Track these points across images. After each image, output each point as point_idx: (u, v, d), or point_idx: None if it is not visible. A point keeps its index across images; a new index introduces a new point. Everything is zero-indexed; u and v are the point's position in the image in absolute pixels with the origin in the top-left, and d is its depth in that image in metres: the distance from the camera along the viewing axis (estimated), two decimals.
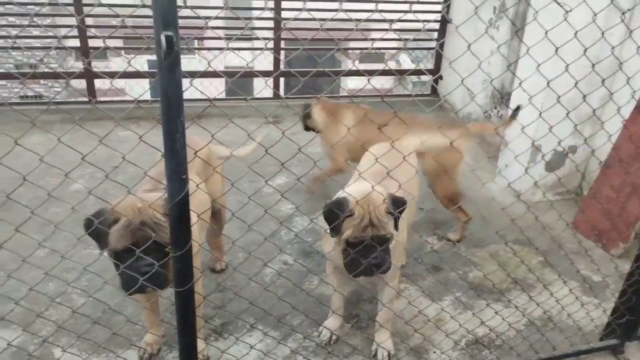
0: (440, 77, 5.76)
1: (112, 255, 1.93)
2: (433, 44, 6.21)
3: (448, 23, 5.66)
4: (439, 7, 5.98)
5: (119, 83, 8.20)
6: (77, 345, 2.45)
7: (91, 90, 5.17)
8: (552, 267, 3.09)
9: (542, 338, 2.66)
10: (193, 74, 1.56)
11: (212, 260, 3.07)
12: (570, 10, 2.02)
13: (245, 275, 2.90)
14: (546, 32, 1.91)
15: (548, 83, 2.03)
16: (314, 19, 1.93)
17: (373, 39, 6.12)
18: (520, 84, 1.98)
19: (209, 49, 6.38)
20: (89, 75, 5.13)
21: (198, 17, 1.61)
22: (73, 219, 2.04)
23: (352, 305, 2.81)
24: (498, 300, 2.91)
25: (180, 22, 1.39)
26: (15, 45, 6.94)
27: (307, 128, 3.89)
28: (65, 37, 5.32)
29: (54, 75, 6.50)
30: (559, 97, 2.09)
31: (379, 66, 12.62)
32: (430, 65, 6.24)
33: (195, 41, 7.14)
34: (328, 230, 2.15)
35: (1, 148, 1.69)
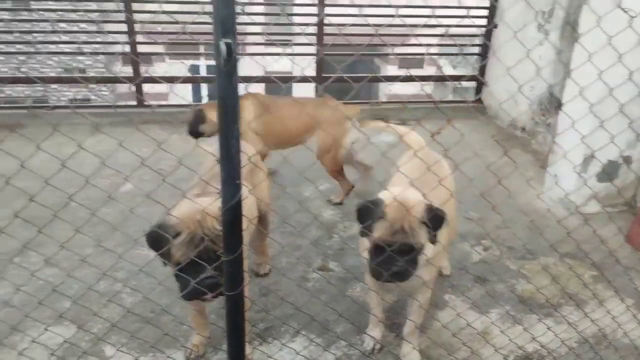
0: (485, 84, 5.64)
1: (174, 266, 1.97)
2: (476, 49, 6.09)
3: (494, 29, 5.54)
4: (483, 12, 5.84)
5: (163, 87, 8.43)
6: (127, 344, 2.51)
7: (140, 94, 5.33)
8: (607, 283, 2.96)
9: (595, 356, 2.54)
10: (247, 79, 1.57)
11: (255, 264, 3.09)
12: (636, 16, 1.94)
13: (291, 280, 2.92)
14: (610, 38, 1.83)
15: (611, 91, 1.95)
16: (367, 25, 1.92)
17: (421, 44, 6.05)
18: (580, 92, 1.91)
19: (258, 54, 6.46)
20: (138, 80, 5.28)
21: (255, 24, 1.62)
22: (124, 219, 2.10)
23: (396, 314, 2.77)
24: (549, 315, 2.81)
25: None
26: (79, 50, 7.20)
27: (198, 134, 3.84)
28: (128, 43, 5.46)
29: (114, 80, 6.64)
30: (622, 105, 2.00)
31: (418, 71, 12.54)
32: (471, 71, 6.13)
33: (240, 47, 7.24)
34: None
35: (60, 149, 1.75)
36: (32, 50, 7.18)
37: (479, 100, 5.84)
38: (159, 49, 8.21)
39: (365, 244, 2.25)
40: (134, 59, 5.04)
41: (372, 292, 2.49)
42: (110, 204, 3.27)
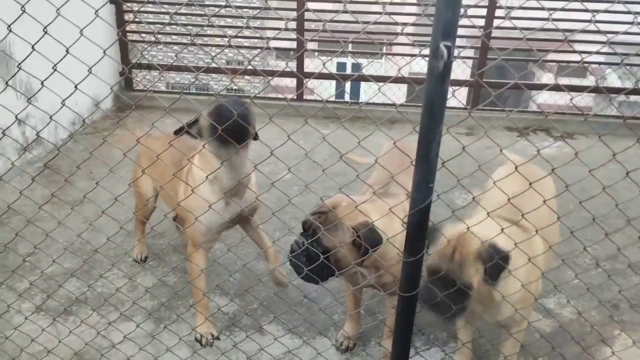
0: None
1: None
2: None
3: None
4: None
5: (312, 82, 8.77)
6: (282, 325, 2.66)
7: (300, 89, 5.61)
8: None
9: None
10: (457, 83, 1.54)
11: None
12: None
13: None
14: None
15: None
16: (516, 28, 1.78)
17: (590, 52, 5.54)
18: None
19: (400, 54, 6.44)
20: (300, 75, 5.55)
21: (474, 27, 1.59)
22: (281, 205, 2.21)
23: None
24: None
25: (371, 27, 1.39)
26: (239, 44, 7.77)
27: None
28: (293, 39, 5.79)
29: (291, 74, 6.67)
30: None
31: (580, 81, 11.48)
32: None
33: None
34: None
35: None
36: (200, 42, 7.92)
37: None
38: (313, 46, 8.55)
39: None
40: (299, 56, 5.31)
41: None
42: (270, 190, 3.50)
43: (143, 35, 6.36)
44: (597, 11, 4.56)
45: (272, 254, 2.79)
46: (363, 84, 11.59)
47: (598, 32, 1.81)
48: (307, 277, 1.99)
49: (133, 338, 2.35)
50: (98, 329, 2.42)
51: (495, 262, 1.83)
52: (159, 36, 6.35)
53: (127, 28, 5.82)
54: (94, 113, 5.24)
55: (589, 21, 4.75)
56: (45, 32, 1.65)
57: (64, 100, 1.79)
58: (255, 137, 2.33)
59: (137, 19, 5.61)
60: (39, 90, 1.80)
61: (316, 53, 8.26)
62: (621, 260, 3.04)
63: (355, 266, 2.03)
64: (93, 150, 2.04)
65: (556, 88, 2.13)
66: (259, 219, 2.69)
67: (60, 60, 1.69)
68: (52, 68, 1.72)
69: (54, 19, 1.65)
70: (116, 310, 2.60)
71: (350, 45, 9.29)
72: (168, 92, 7.68)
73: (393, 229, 1.94)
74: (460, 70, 7.71)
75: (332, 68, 11.89)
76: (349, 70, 11.87)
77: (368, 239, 1.92)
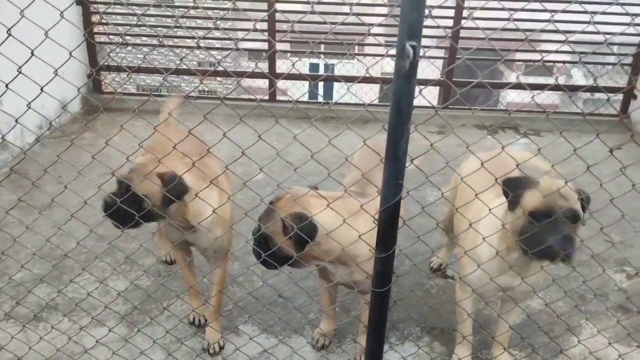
0: (634, 96, 5.17)
1: None
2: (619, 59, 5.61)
3: None
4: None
5: (285, 83, 8.77)
6: (258, 325, 2.66)
7: (272, 90, 5.60)
8: None
9: None
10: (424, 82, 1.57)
11: None
12: None
13: (408, 285, 2.90)
14: None
15: None
16: (479, 29, 1.84)
17: (547, 51, 5.71)
18: None
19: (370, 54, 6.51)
20: (270, 76, 5.54)
21: (439, 27, 1.62)
22: (254, 206, 2.21)
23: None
24: None
25: (342, 28, 1.43)
26: (210, 45, 7.72)
27: None
28: (265, 40, 5.78)
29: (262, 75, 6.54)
30: None
31: (545, 80, 11.78)
32: (611, 82, 5.66)
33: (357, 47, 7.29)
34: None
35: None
36: (171, 43, 7.84)
37: (627, 115, 5.38)
38: (285, 47, 8.53)
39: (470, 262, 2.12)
40: (271, 57, 5.30)
41: (464, 302, 2.27)
42: (243, 190, 3.49)
43: (111, 37, 6.25)
44: (555, 11, 4.70)
45: (212, 308, 2.54)
46: (336, 85, 11.63)
47: (557, 31, 1.88)
48: (262, 261, 2.06)
49: (106, 343, 2.32)
50: (70, 335, 2.38)
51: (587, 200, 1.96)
52: (127, 37, 6.26)
53: (96, 30, 5.72)
54: (61, 116, 5.14)
55: (548, 21, 4.89)
56: (9, 34, 1.63)
57: (29, 103, 1.76)
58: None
59: (103, 20, 5.51)
60: (4, 93, 1.76)
61: (289, 54, 8.27)
62: (586, 252, 3.13)
63: (325, 262, 2.06)
64: (61, 153, 2.01)
65: (519, 86, 2.20)
66: (222, 263, 2.49)
67: (25, 63, 1.66)
68: (17, 70, 1.69)
69: (18, 20, 1.62)
70: (88, 315, 2.57)
71: (323, 46, 9.33)
72: (138, 94, 7.55)
73: (358, 227, 1.95)
74: (431, 69, 7.85)
75: (305, 69, 11.89)
76: (321, 71, 11.90)
77: (301, 230, 1.92)
